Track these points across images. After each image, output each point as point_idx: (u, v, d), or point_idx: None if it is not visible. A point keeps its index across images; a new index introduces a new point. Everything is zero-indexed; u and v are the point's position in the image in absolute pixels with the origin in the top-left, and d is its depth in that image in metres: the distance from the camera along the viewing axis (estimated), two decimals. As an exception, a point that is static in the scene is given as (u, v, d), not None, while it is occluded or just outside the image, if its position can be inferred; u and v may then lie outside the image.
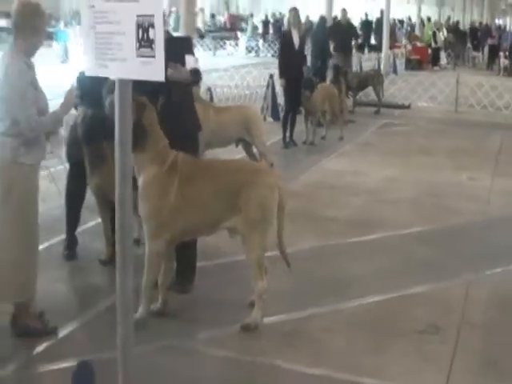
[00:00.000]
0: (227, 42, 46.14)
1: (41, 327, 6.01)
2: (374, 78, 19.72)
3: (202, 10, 48.86)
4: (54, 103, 5.92)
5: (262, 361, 5.74)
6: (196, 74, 6.94)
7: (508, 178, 12.09)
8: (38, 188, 6.01)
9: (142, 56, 3.11)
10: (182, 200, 6.15)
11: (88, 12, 3.24)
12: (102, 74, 3.25)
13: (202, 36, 43.53)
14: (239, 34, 49.74)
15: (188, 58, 6.90)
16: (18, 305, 5.97)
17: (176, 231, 6.24)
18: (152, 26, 3.09)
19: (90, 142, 7.34)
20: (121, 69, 3.16)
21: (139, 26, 3.11)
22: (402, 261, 8.07)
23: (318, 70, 17.63)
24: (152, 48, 3.10)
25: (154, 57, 3.10)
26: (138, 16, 3.09)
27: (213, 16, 55.09)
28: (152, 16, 3.09)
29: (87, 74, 3.43)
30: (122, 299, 3.40)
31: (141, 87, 5.53)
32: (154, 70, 3.12)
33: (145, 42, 3.11)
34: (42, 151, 5.99)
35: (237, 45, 46.47)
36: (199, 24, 42.97)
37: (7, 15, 43.10)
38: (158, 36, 3.08)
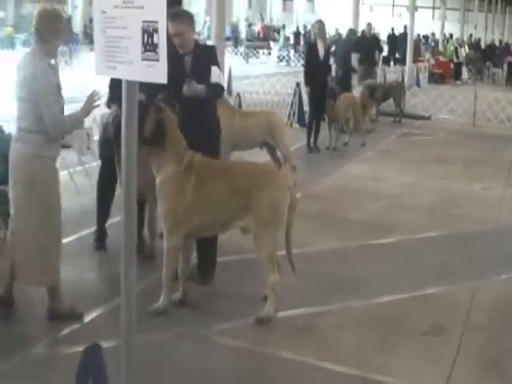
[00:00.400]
0: (260, 51, 46.23)
1: (68, 312, 6.06)
2: (396, 90, 19.63)
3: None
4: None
5: (273, 352, 5.73)
6: (215, 89, 6.92)
7: (520, 189, 11.99)
8: (58, 178, 6.13)
9: (147, 59, 3.17)
10: (197, 198, 6.17)
11: (99, 17, 3.30)
12: (110, 75, 3.32)
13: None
14: (272, 43, 49.86)
15: (214, 71, 6.88)
16: (49, 289, 6.05)
17: (191, 228, 6.28)
18: (156, 31, 3.15)
19: (120, 141, 7.35)
20: (127, 71, 3.22)
21: (144, 31, 3.17)
22: (414, 264, 8.03)
23: (340, 80, 17.58)
24: (156, 52, 3.17)
25: (157, 60, 3.16)
26: (143, 22, 3.15)
27: (249, 25, 55.23)
28: (156, 22, 3.15)
29: (97, 74, 3.46)
30: (126, 288, 3.40)
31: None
32: (158, 72, 3.19)
33: (149, 47, 3.18)
34: (60, 145, 6.13)
35: (269, 54, 46.57)
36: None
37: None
38: (161, 41, 3.15)
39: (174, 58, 6.87)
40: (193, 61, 6.88)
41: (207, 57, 6.97)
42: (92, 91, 6.05)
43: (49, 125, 5.69)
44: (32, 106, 5.73)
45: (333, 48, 20.57)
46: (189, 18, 6.96)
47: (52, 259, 6.01)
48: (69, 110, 6.05)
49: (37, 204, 5.86)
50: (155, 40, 3.13)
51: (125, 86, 3.23)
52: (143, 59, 3.16)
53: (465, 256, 8.36)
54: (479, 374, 5.57)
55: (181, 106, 6.70)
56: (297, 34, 49.85)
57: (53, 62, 6.05)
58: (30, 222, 5.90)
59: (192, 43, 6.94)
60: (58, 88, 5.88)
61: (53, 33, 5.83)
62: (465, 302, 6.94)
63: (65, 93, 6.03)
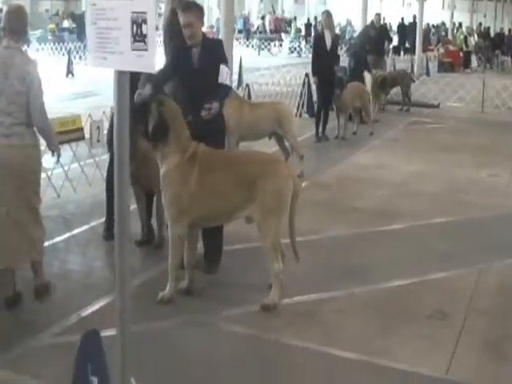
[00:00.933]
0: (271, 43, 46.15)
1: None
2: (403, 78, 19.52)
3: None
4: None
5: (278, 338, 5.74)
6: (224, 91, 6.92)
7: (527, 175, 11.93)
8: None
9: (137, 49, 3.19)
10: (201, 188, 6.17)
11: (90, 9, 3.33)
12: (102, 65, 3.33)
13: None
14: (283, 35, 49.74)
15: (222, 69, 6.87)
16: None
17: (195, 217, 6.28)
18: (145, 21, 3.18)
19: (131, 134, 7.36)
20: (118, 61, 3.25)
21: (133, 22, 3.19)
22: (419, 250, 8.00)
23: (352, 70, 17.52)
24: (145, 42, 3.20)
25: (146, 50, 3.19)
26: (132, 13, 3.17)
27: (263, 18, 55.11)
28: (145, 13, 3.17)
29: (89, 65, 3.48)
30: (120, 274, 3.42)
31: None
32: (147, 62, 3.22)
33: (138, 37, 3.21)
34: None
35: (281, 46, 46.45)
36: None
37: (72, 16, 43.77)
38: (150, 31, 3.18)
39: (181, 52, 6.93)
40: (200, 53, 6.88)
41: (215, 51, 6.97)
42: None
43: (37, 116, 5.97)
44: (27, 99, 5.89)
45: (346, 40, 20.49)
46: (198, 10, 6.95)
47: (34, 238, 6.23)
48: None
49: (27, 190, 6.12)
50: (144, 30, 3.16)
51: (115, 76, 3.24)
52: (133, 49, 3.18)
53: (470, 242, 8.32)
54: (481, 358, 5.55)
55: (186, 97, 6.72)
56: (308, 26, 49.66)
57: None
58: (18, 203, 6.07)
59: (200, 36, 6.93)
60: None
61: (25, 28, 6.14)
62: (468, 287, 6.91)
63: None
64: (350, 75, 16.94)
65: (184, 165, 6.18)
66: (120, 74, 3.26)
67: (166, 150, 6.20)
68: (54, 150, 6.41)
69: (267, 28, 52.10)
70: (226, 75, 6.95)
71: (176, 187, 6.19)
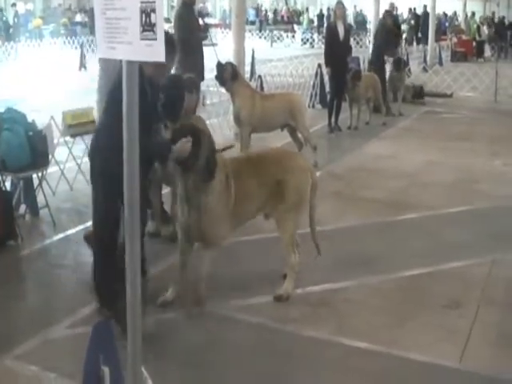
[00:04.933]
0: (284, 35, 46.09)
1: None
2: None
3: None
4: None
5: (290, 328, 5.73)
6: None
7: (541, 164, 11.85)
8: None
9: (146, 39, 3.18)
10: (237, 199, 6.04)
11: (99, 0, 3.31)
12: (111, 55, 3.32)
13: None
14: (296, 26, 49.65)
15: None
16: None
17: (234, 226, 6.23)
18: (154, 11, 3.16)
19: None
20: (127, 51, 3.23)
21: (142, 11, 3.18)
22: (432, 240, 7.95)
23: (372, 63, 17.51)
24: (154, 31, 3.18)
25: (155, 39, 3.17)
26: (141, 2, 3.16)
27: (274, 12, 55.10)
28: (153, 2, 3.16)
29: (99, 55, 3.47)
30: (131, 262, 3.40)
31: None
32: (156, 51, 3.20)
33: (147, 26, 3.19)
34: None
35: (293, 37, 46.37)
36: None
37: (84, 11, 43.89)
38: (158, 20, 3.16)
39: None
40: None
41: None
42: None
43: None
44: None
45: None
46: None
47: None
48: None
49: None
50: (153, 20, 3.14)
51: (125, 66, 3.22)
52: (142, 39, 3.17)
53: (484, 232, 8.25)
54: (494, 348, 5.50)
55: None
56: (320, 17, 49.60)
57: None
58: None
59: None
60: None
61: None
62: (482, 278, 6.87)
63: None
64: (373, 65, 17.11)
65: (223, 186, 5.93)
66: (129, 64, 3.24)
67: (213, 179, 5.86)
68: None
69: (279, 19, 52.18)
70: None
71: (222, 209, 5.94)
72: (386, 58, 17.36)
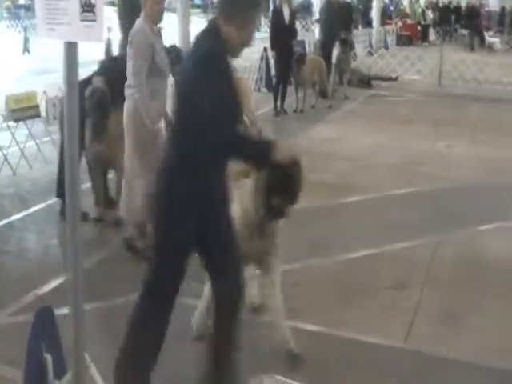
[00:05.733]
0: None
1: None
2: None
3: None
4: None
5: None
6: None
7: (484, 146, 12.01)
8: None
9: (85, 20, 3.14)
10: None
11: None
12: (50, 37, 3.26)
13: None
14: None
15: None
16: None
17: None
18: None
19: (97, 113, 7.28)
20: (66, 32, 3.18)
21: None
22: (377, 222, 8.03)
23: (323, 45, 17.54)
24: (94, 12, 3.14)
25: (95, 21, 3.14)
26: None
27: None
28: None
29: (39, 36, 3.39)
30: (73, 250, 3.37)
31: None
32: (95, 32, 3.17)
33: (87, 7, 3.15)
34: None
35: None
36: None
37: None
38: (98, 1, 3.13)
39: None
40: None
41: None
42: None
43: None
44: None
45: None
46: None
47: None
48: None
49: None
50: (93, 1, 3.10)
51: (65, 48, 3.16)
52: (81, 20, 3.11)
53: (428, 213, 8.36)
54: (438, 327, 5.58)
55: None
56: (266, 0, 49.42)
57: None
58: None
59: None
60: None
61: None
62: (426, 258, 6.96)
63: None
64: (320, 48, 17.15)
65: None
66: (69, 46, 3.18)
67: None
68: None
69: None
70: None
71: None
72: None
